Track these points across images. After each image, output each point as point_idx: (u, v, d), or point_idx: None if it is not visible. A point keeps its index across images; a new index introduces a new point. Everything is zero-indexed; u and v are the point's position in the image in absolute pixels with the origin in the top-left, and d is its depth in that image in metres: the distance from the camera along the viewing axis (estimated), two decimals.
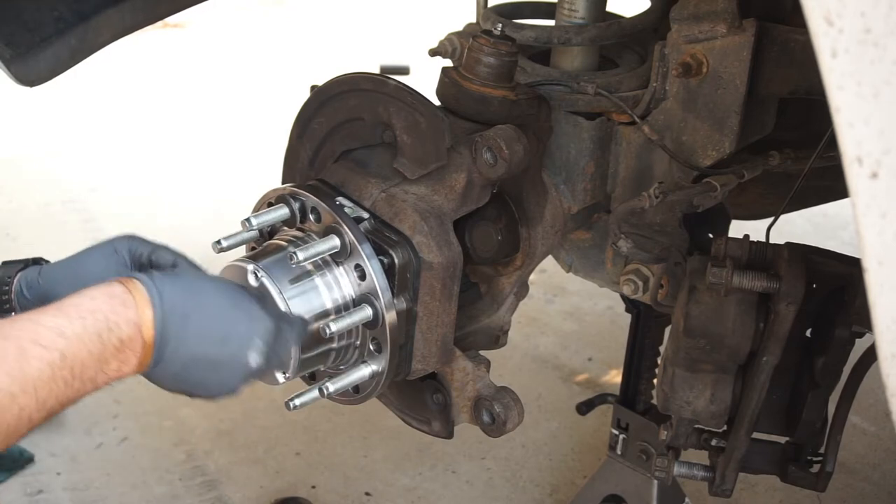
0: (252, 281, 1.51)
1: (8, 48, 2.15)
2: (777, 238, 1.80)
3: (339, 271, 1.57)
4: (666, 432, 1.90)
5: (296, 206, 1.60)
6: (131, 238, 1.39)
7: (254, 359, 1.32)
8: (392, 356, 1.59)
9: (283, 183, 1.79)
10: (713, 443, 1.90)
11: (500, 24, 1.71)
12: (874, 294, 1.01)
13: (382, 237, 1.58)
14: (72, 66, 2.31)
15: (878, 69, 0.93)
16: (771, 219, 1.89)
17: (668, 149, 1.74)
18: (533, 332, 3.68)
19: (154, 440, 3.06)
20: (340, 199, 1.61)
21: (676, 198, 1.71)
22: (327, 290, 1.56)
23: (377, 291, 1.54)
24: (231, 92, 5.94)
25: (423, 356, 1.64)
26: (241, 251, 1.67)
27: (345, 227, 1.54)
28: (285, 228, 1.63)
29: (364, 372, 1.60)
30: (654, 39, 1.80)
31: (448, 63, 1.93)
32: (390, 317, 1.56)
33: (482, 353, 1.77)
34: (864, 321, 1.64)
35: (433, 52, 2.03)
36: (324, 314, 1.55)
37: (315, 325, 1.53)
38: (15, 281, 1.36)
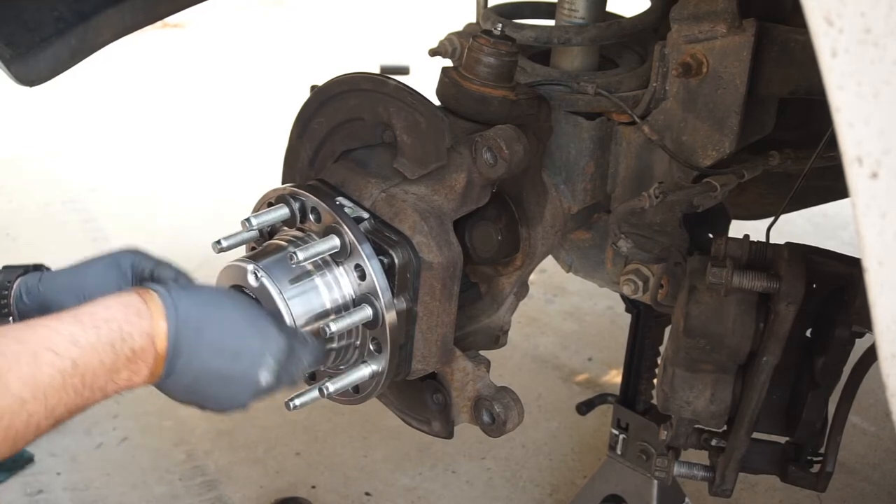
0: (252, 281, 1.51)
1: (8, 48, 2.15)
2: (777, 238, 1.80)
3: (339, 271, 1.57)
4: (666, 432, 1.90)
5: (296, 206, 1.60)
6: (135, 252, 1.39)
7: (264, 377, 1.32)
8: (392, 356, 1.59)
9: (283, 183, 1.79)
10: (713, 443, 1.90)
11: (500, 24, 1.71)
12: (874, 294, 1.01)
13: (382, 237, 1.58)
14: (72, 66, 2.31)
15: (878, 69, 0.93)
16: (771, 219, 1.89)
17: (668, 149, 1.74)
18: (533, 332, 3.68)
19: (154, 440, 3.06)
20: (340, 199, 1.61)
21: (676, 198, 1.71)
22: (327, 290, 1.56)
23: (377, 291, 1.54)
24: (231, 92, 5.94)
25: (423, 356, 1.64)
26: (241, 251, 1.67)
27: (345, 227, 1.54)
28: (285, 228, 1.63)
29: (364, 372, 1.60)
30: (654, 39, 1.80)
31: (448, 63, 1.93)
32: (390, 317, 1.56)
33: (482, 353, 1.77)
34: (864, 321, 1.64)
35: (433, 52, 2.03)
36: (324, 314, 1.55)
37: (315, 325, 1.53)
38: (14, 286, 1.36)
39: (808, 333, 1.79)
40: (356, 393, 1.65)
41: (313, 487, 2.89)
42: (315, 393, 1.57)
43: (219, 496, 2.86)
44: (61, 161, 5.03)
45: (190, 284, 1.34)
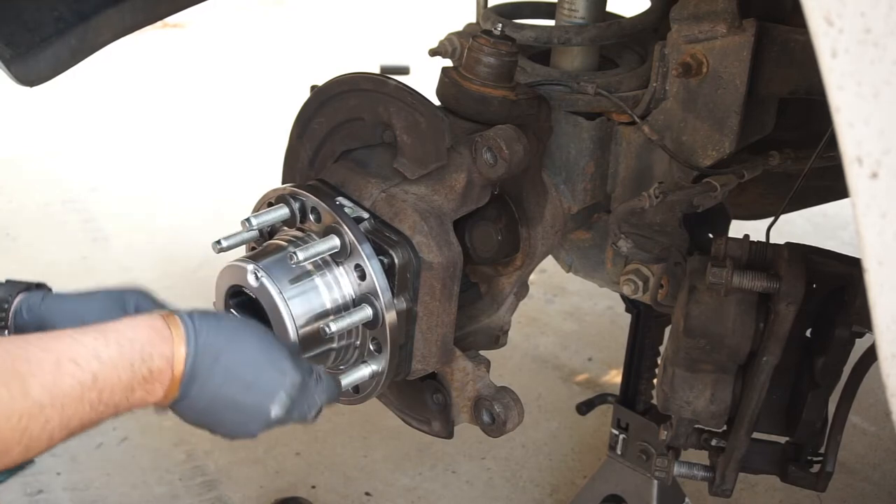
0: (252, 281, 1.51)
1: (8, 48, 2.15)
2: (777, 238, 1.80)
3: (339, 271, 1.57)
4: (666, 432, 1.90)
5: (296, 206, 1.60)
6: (140, 293, 1.40)
7: (275, 410, 1.34)
8: (392, 356, 1.59)
9: (283, 183, 1.79)
10: (713, 443, 1.90)
11: (500, 24, 1.71)
12: (874, 294, 1.01)
13: (382, 237, 1.58)
14: (72, 66, 2.31)
15: (878, 69, 0.93)
16: (771, 219, 1.89)
17: (668, 149, 1.74)
18: (533, 332, 3.68)
19: (154, 440, 3.06)
20: (340, 199, 1.61)
21: (676, 198, 1.71)
22: (327, 290, 1.56)
23: (377, 291, 1.54)
24: (231, 92, 5.94)
25: (423, 356, 1.64)
26: (241, 251, 1.67)
27: (345, 227, 1.54)
28: (285, 228, 1.63)
29: (364, 372, 1.60)
30: (654, 39, 1.80)
31: (448, 63, 1.93)
32: (390, 317, 1.56)
33: (482, 353, 1.77)
34: (864, 321, 1.64)
35: (433, 52, 2.03)
36: (324, 314, 1.55)
37: (315, 325, 1.53)
38: (15, 302, 1.37)
39: (808, 333, 1.80)
40: (356, 393, 1.65)
41: (313, 487, 2.89)
42: None
43: (219, 496, 2.86)
44: (61, 161, 5.03)
45: (212, 313, 1.36)
